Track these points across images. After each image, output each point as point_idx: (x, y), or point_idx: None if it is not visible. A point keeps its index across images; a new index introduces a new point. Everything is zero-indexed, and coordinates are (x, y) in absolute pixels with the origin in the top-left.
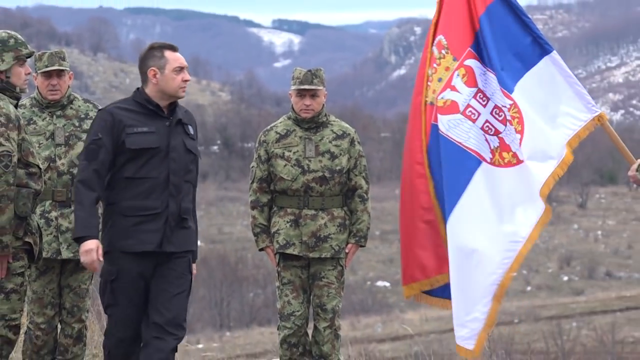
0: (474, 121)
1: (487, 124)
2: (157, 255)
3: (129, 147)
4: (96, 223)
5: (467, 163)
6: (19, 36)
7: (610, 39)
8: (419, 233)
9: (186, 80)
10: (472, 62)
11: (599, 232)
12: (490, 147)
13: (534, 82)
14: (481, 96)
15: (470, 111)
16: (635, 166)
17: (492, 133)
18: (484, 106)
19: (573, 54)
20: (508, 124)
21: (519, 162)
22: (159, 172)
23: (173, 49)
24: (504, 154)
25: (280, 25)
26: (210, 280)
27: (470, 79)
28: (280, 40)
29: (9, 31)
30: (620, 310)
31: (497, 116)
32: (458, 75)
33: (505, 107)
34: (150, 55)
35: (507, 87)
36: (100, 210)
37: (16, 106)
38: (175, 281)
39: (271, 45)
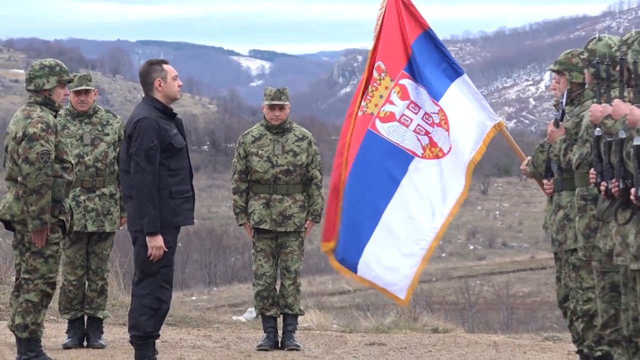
0: (407, 126)
1: (419, 126)
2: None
3: (176, 147)
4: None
5: (403, 158)
6: (64, 65)
7: (505, 65)
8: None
9: (180, 85)
10: (405, 81)
11: (497, 212)
12: (422, 145)
13: (453, 96)
14: (413, 106)
15: (404, 119)
16: (525, 162)
17: (422, 133)
18: (416, 114)
19: (478, 77)
20: (436, 126)
21: (444, 154)
22: (186, 163)
23: (167, 62)
24: (433, 149)
25: (255, 54)
26: (201, 247)
27: (404, 94)
28: (255, 65)
29: (56, 60)
30: (513, 272)
31: (426, 120)
32: (394, 92)
33: (434, 113)
34: (153, 70)
35: (435, 97)
36: (118, 194)
37: (55, 116)
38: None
39: (248, 69)
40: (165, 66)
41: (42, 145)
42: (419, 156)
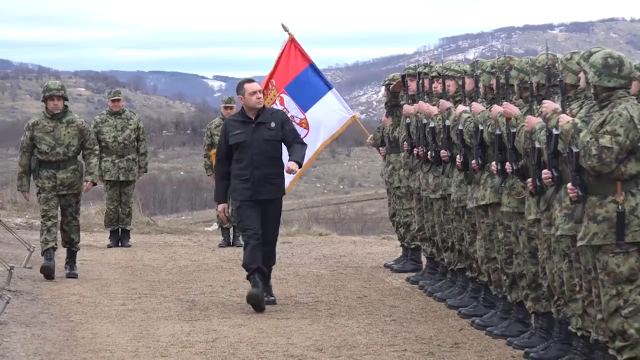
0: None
1: None
2: (255, 201)
3: (229, 144)
4: (222, 191)
5: None
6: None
7: (360, 83)
8: None
9: (259, 98)
10: (284, 95)
11: (356, 166)
12: None
13: (323, 104)
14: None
15: None
16: (369, 137)
17: None
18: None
19: (344, 89)
20: (296, 124)
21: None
22: (245, 155)
23: (250, 81)
24: None
25: (217, 78)
26: (187, 189)
27: (282, 103)
28: (217, 84)
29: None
30: (365, 200)
31: (294, 119)
32: (277, 100)
33: (297, 117)
34: (237, 89)
35: (304, 108)
36: (137, 158)
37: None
38: (270, 217)
39: (212, 87)
40: (246, 85)
41: (24, 134)
42: None
